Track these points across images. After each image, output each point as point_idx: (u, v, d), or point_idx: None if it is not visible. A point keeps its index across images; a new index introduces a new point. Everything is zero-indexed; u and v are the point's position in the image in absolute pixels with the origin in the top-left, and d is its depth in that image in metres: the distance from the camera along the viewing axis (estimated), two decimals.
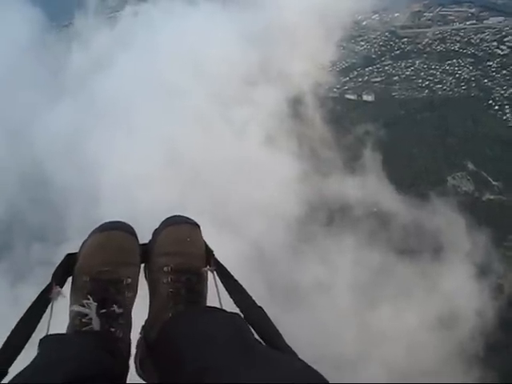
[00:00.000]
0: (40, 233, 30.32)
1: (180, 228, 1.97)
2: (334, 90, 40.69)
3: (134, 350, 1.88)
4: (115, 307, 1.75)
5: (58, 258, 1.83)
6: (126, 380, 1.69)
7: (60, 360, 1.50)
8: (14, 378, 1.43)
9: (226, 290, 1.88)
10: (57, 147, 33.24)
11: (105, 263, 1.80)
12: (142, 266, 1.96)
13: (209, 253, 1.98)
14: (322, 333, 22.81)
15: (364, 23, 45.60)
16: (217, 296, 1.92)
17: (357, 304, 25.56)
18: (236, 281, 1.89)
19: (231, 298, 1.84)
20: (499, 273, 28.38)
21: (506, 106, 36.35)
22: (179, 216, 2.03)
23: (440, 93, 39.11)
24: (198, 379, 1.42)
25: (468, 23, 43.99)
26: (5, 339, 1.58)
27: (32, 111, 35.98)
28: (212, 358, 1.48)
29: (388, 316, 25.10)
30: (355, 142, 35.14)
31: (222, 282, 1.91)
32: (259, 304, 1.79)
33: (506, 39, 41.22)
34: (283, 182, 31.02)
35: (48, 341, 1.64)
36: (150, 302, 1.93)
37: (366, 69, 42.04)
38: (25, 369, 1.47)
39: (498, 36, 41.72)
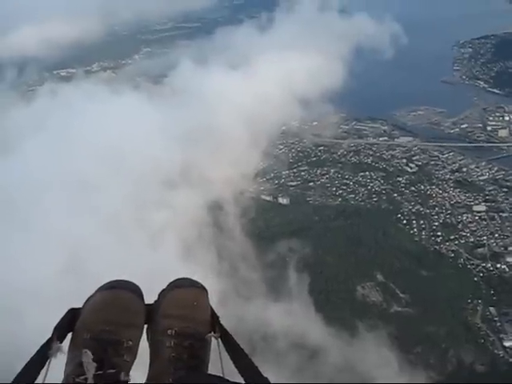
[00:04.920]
0: None
1: (187, 291, 1.94)
2: (251, 190, 40.92)
3: None
4: (112, 371, 1.67)
5: None
6: None
7: None
8: None
9: (231, 357, 1.81)
10: None
11: (108, 322, 1.75)
12: (145, 326, 1.88)
13: (214, 319, 1.94)
14: None
15: (283, 128, 47.18)
16: (219, 362, 1.85)
17: None
18: (241, 349, 1.81)
19: (235, 366, 1.77)
20: None
21: (414, 221, 37.87)
22: (187, 279, 1.99)
23: (352, 202, 40.36)
24: None
25: (381, 139, 47.42)
26: None
27: None
28: None
29: None
30: (275, 256, 34.81)
31: (226, 350, 1.85)
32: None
33: (414, 158, 44.96)
34: None
35: None
36: (151, 364, 1.87)
37: (283, 172, 43.01)
38: None
39: (408, 154, 45.44)
